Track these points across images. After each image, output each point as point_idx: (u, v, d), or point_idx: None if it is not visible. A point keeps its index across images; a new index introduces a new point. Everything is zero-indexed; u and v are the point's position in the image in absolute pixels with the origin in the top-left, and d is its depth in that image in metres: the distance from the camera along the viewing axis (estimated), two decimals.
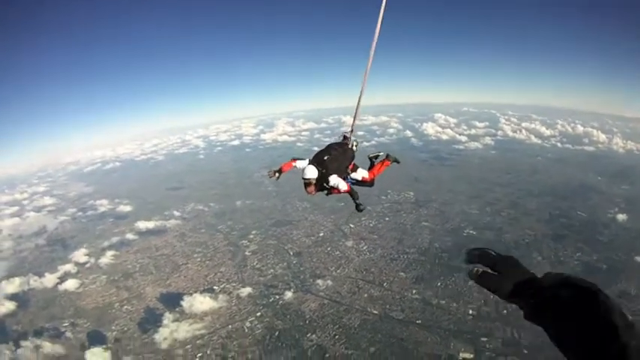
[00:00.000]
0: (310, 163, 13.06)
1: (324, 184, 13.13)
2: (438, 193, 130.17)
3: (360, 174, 14.87)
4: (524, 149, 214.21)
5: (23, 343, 72.81)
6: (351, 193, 13.59)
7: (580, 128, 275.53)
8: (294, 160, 13.60)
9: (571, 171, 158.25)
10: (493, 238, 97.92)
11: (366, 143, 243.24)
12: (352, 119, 14.26)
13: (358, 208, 13.72)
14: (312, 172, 12.73)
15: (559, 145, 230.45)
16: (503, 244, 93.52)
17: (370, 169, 15.65)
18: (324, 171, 12.94)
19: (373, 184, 15.51)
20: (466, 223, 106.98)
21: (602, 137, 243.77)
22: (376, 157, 16.22)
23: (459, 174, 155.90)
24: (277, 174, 13.50)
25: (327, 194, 13.71)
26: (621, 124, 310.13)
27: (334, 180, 13.03)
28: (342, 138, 14.65)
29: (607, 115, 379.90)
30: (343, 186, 13.24)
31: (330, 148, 13.74)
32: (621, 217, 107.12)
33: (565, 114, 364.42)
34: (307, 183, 12.86)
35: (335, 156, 13.40)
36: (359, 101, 14.17)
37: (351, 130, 14.56)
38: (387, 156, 16.24)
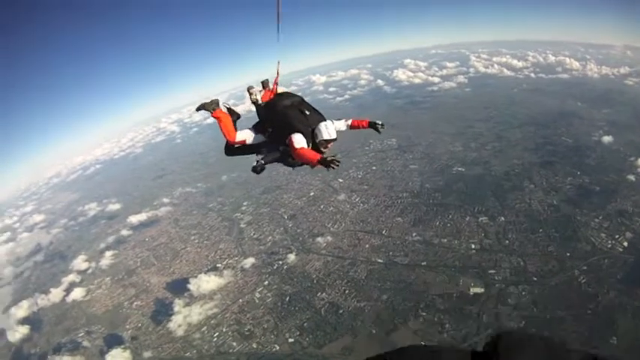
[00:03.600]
0: (305, 131, 10.51)
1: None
2: (420, 137, 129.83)
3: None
4: (498, 83, 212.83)
5: None
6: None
7: (552, 58, 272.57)
8: (301, 147, 10.10)
9: (549, 99, 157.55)
10: (482, 172, 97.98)
11: (339, 98, 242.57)
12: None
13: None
14: (333, 129, 10.65)
15: (533, 75, 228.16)
16: (493, 177, 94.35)
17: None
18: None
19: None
20: (453, 161, 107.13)
21: (576, 64, 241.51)
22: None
23: (438, 115, 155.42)
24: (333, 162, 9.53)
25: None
26: (593, 51, 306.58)
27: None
28: (255, 92, 12.32)
29: (577, 43, 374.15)
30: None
31: (289, 104, 11.13)
32: (606, 139, 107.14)
33: (534, 45, 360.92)
34: (327, 144, 10.65)
35: (307, 107, 11.16)
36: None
37: (277, 75, 12.66)
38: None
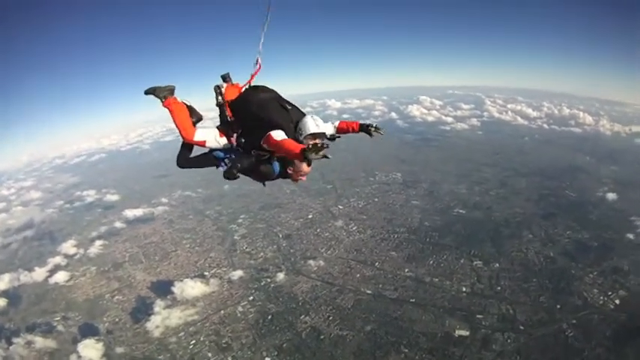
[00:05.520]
0: (287, 127, 8.49)
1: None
2: (425, 174, 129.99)
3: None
4: (510, 130, 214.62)
5: (15, 339, 71.74)
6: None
7: (566, 110, 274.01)
8: (281, 139, 7.98)
9: (558, 152, 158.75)
10: (483, 216, 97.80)
11: None
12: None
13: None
14: (322, 122, 9.08)
15: (545, 126, 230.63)
16: (493, 223, 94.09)
17: None
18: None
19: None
20: (455, 202, 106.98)
21: (589, 119, 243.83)
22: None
23: (446, 155, 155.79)
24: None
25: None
26: (608, 107, 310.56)
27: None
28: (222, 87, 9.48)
29: (593, 98, 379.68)
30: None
31: (267, 97, 9.09)
32: (611, 195, 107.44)
33: (550, 96, 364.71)
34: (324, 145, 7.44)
35: (287, 102, 9.25)
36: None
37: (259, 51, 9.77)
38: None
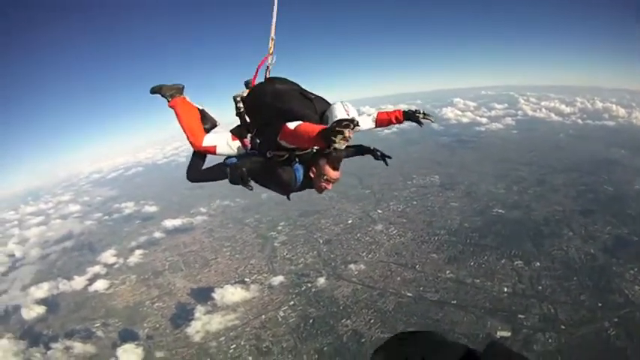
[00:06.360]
0: (310, 117, 7.07)
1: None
2: (463, 175, 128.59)
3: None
4: (545, 127, 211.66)
5: (53, 345, 72.94)
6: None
7: (599, 104, 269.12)
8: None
9: (594, 146, 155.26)
10: (522, 215, 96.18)
11: (386, 131, 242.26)
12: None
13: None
14: (353, 109, 7.36)
15: (579, 121, 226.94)
16: (532, 221, 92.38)
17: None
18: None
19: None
20: (494, 202, 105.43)
21: (622, 112, 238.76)
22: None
23: (483, 155, 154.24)
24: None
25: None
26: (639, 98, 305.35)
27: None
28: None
29: (625, 90, 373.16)
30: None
31: (284, 88, 7.52)
32: None
33: (583, 91, 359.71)
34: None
35: (309, 92, 7.60)
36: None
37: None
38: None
